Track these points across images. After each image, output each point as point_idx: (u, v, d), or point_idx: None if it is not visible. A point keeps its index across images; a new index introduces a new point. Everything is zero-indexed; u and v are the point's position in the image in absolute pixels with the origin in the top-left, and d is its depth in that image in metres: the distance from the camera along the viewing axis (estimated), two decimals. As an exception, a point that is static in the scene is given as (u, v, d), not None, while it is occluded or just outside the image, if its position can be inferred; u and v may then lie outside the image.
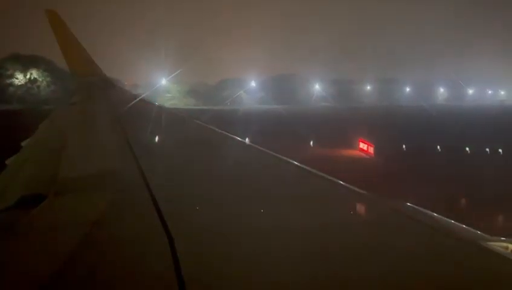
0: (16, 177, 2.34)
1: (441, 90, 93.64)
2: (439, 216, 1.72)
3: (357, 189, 1.85)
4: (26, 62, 56.98)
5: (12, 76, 56.64)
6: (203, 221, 1.37)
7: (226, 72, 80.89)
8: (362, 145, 23.48)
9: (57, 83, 56.13)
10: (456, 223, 1.68)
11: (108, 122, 4.09)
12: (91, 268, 1.05)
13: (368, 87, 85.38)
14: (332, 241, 1.25)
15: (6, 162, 3.01)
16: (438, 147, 24.66)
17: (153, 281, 0.97)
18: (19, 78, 56.85)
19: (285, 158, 2.51)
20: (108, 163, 2.31)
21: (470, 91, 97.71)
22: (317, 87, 77.53)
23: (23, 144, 3.70)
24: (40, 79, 57.34)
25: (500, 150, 24.10)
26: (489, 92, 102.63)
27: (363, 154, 23.00)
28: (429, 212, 1.76)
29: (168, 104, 52.11)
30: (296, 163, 2.39)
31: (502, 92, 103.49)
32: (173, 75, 61.62)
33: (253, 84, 72.51)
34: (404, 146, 25.07)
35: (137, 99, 6.57)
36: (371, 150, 22.41)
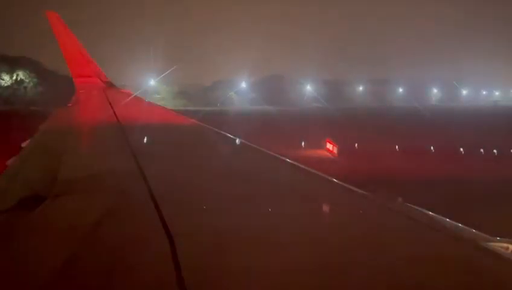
0: (16, 179, 2.37)
1: (435, 91, 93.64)
2: (440, 216, 1.73)
3: (356, 189, 1.84)
4: (12, 63, 56.83)
5: (-2, 77, 56.45)
6: (203, 221, 1.37)
7: (218, 73, 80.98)
8: (328, 146, 24.30)
9: (43, 84, 56.02)
10: (456, 223, 1.69)
11: (108, 122, 4.14)
12: (91, 269, 1.05)
13: (361, 88, 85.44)
14: (332, 241, 1.25)
15: (7, 163, 3.01)
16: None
17: (153, 281, 0.97)
18: (5, 80, 56.74)
19: (286, 159, 2.54)
20: (108, 164, 2.32)
21: (464, 92, 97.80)
22: (308, 88, 77.47)
23: (23, 145, 3.70)
24: (27, 80, 57.18)
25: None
26: (484, 92, 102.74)
27: (328, 154, 23.79)
28: (429, 212, 1.77)
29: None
30: (296, 163, 2.39)
31: (497, 93, 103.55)
32: (162, 76, 61.51)
33: (243, 85, 72.46)
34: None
35: (136, 99, 6.91)
36: (335, 150, 23.46)
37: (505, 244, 1.50)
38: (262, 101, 63.89)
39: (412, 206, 1.80)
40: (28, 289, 1.00)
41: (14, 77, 56.81)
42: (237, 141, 3.34)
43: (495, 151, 24.38)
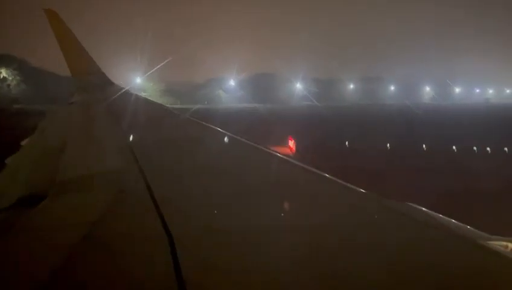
0: (15, 177, 2.36)
1: (427, 89, 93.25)
2: (439, 215, 1.72)
3: (356, 187, 1.81)
4: (-6, 61, 56.39)
5: (-19, 75, 56.09)
6: (203, 221, 1.36)
7: (212, 71, 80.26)
8: (290, 143, 24.51)
9: (28, 82, 55.62)
10: (456, 221, 1.69)
11: (107, 121, 4.11)
12: (91, 269, 1.05)
13: (351, 86, 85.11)
14: (331, 240, 1.25)
15: (6, 161, 3.00)
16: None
17: (153, 281, 0.97)
18: (-13, 78, 56.27)
19: (286, 157, 2.52)
20: (108, 163, 2.31)
21: (457, 90, 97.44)
22: (298, 86, 77.08)
23: (22, 143, 3.70)
24: (10, 78, 56.71)
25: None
26: (477, 90, 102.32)
27: (288, 150, 23.63)
28: (428, 211, 1.75)
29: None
30: (297, 162, 2.37)
31: (490, 91, 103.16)
32: (149, 73, 61.01)
33: (232, 83, 72.05)
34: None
35: (135, 97, 6.81)
36: (294, 147, 23.40)
37: (505, 243, 1.47)
38: (252, 99, 63.57)
39: (411, 204, 1.79)
40: (27, 289, 0.98)
41: (-3, 75, 56.43)
42: (239, 140, 3.28)
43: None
